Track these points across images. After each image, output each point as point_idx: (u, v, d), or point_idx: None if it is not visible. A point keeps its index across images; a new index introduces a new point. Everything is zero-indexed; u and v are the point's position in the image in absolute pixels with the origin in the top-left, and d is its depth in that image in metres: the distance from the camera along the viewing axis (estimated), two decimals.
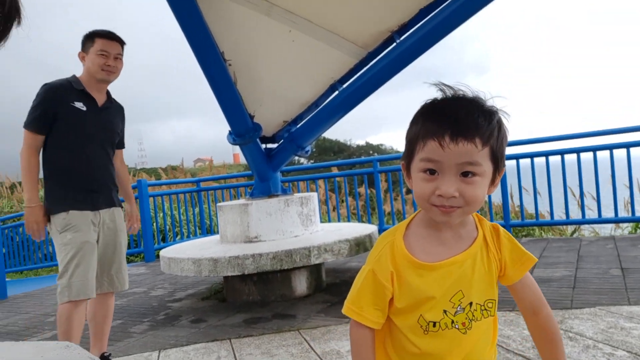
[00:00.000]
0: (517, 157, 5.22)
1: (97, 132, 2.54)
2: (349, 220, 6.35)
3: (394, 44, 3.60)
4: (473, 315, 0.94)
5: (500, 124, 0.92)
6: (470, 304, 0.94)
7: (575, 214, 5.40)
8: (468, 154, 0.87)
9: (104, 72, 2.51)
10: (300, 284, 3.63)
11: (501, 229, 1.01)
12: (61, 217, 2.41)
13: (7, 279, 7.50)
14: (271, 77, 3.87)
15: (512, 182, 5.73)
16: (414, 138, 0.93)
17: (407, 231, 1.00)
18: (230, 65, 3.58)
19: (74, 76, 2.56)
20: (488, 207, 5.84)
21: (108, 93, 2.65)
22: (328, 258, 3.36)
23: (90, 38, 2.52)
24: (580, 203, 5.18)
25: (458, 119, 0.88)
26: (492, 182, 0.94)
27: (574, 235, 5.93)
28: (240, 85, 3.69)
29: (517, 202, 6.11)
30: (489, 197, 5.45)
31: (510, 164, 4.95)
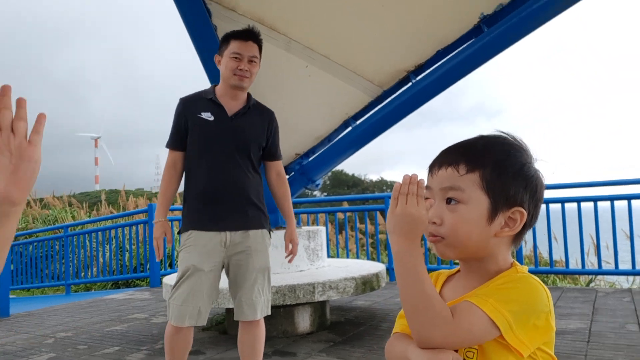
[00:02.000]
0: None
1: (224, 142, 2.24)
2: (357, 257, 6.25)
3: (410, 84, 3.63)
4: None
5: (512, 158, 0.88)
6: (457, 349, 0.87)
7: (591, 263, 5.25)
8: (448, 178, 0.87)
9: (236, 77, 2.24)
10: (304, 321, 3.53)
11: (506, 276, 0.89)
12: (185, 236, 2.24)
13: (13, 297, 7.54)
14: (286, 109, 3.90)
15: None
16: None
17: None
18: None
19: (212, 85, 2.38)
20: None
21: (248, 98, 2.36)
22: (333, 296, 3.28)
23: (225, 40, 2.29)
24: (596, 252, 5.04)
25: (452, 147, 0.92)
26: (491, 219, 0.86)
27: (590, 286, 5.74)
28: None
29: (530, 247, 5.97)
30: None
31: None
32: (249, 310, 2.23)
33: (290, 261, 2.47)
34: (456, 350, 0.86)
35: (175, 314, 2.15)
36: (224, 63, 2.28)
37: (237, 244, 2.23)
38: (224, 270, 2.30)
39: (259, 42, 2.31)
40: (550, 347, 0.87)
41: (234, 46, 2.25)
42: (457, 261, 0.97)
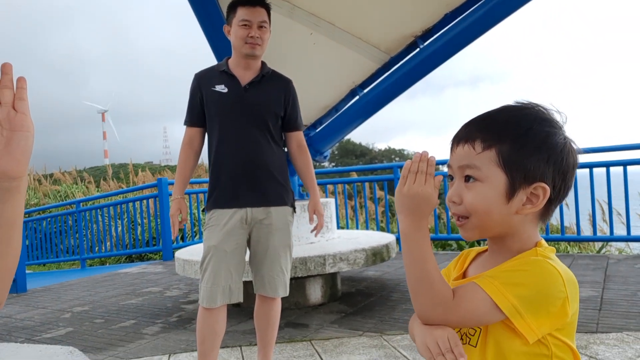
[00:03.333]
0: None
1: (239, 114, 2.18)
2: (367, 227, 6.26)
3: (418, 49, 3.52)
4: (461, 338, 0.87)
5: (533, 131, 0.83)
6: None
7: (602, 229, 5.20)
8: (465, 156, 0.86)
9: (247, 46, 2.16)
10: (315, 292, 3.56)
11: (521, 258, 0.85)
12: (208, 215, 2.21)
13: (29, 272, 7.71)
14: (292, 78, 3.83)
15: None
16: None
17: None
18: None
19: (225, 58, 2.30)
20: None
21: (263, 66, 2.28)
22: (343, 268, 3.29)
23: (232, 8, 2.21)
24: (608, 219, 4.99)
25: (471, 121, 0.88)
26: (510, 197, 0.82)
27: (602, 252, 5.71)
28: None
29: None
30: None
31: None
32: (270, 287, 2.22)
33: (316, 235, 2.42)
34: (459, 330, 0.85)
35: (206, 296, 2.12)
36: (233, 32, 2.20)
37: (260, 221, 2.19)
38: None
39: (267, 7, 2.24)
40: (566, 334, 0.83)
41: (241, 13, 2.17)
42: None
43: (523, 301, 0.78)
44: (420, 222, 0.83)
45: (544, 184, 0.83)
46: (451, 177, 0.90)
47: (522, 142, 0.83)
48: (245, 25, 2.16)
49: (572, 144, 0.86)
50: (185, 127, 2.31)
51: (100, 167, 28.75)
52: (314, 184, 2.38)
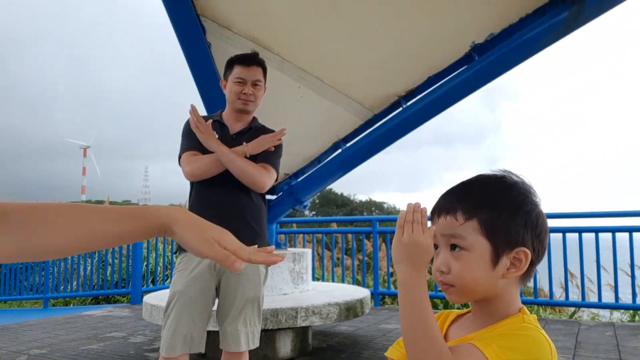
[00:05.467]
0: None
1: None
2: (343, 279, 6.19)
3: (400, 109, 3.64)
4: None
5: (508, 198, 0.88)
6: None
7: (574, 293, 5.24)
8: (449, 226, 0.89)
9: (240, 102, 2.27)
10: (285, 346, 3.46)
11: (512, 324, 0.87)
12: (178, 259, 2.18)
13: None
14: (277, 129, 3.89)
15: None
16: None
17: None
18: None
19: (220, 110, 2.40)
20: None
21: (253, 120, 2.38)
22: (315, 321, 3.22)
23: (229, 65, 2.31)
24: (580, 285, 5.05)
25: (449, 192, 0.93)
26: (495, 263, 0.86)
27: (574, 317, 5.72)
28: None
29: None
30: None
31: None
32: (233, 341, 2.13)
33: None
34: None
35: (165, 343, 2.04)
36: (228, 87, 2.30)
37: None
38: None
39: (262, 65, 2.33)
40: None
41: (237, 71, 2.27)
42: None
43: None
44: (421, 271, 0.85)
45: (525, 248, 0.87)
46: (435, 246, 0.92)
47: (500, 210, 0.87)
48: (239, 82, 2.26)
49: (541, 210, 0.91)
50: (184, 154, 2.25)
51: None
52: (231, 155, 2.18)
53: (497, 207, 0.87)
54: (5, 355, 3.73)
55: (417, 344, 0.83)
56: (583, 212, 5.02)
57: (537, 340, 0.84)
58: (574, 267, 5.51)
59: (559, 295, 5.75)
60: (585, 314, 6.01)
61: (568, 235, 4.89)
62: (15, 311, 7.48)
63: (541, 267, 5.17)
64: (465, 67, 3.29)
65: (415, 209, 0.87)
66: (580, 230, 4.85)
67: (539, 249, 0.90)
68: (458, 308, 5.39)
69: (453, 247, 0.89)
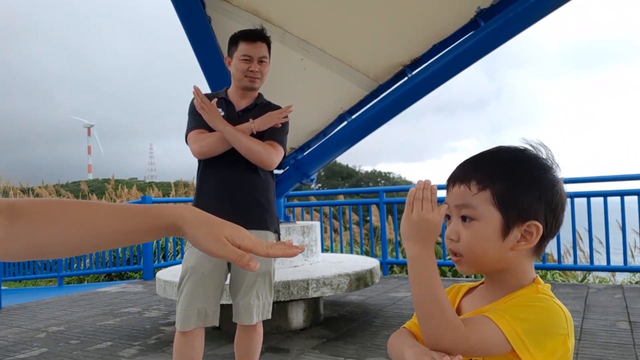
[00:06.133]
0: None
1: None
2: (352, 250, 6.25)
3: (406, 78, 3.59)
4: None
5: (524, 171, 0.88)
6: None
7: (584, 256, 5.27)
8: (461, 196, 0.89)
9: (247, 79, 2.24)
10: (297, 317, 3.53)
11: (526, 294, 0.88)
12: None
13: (5, 288, 7.49)
14: (281, 103, 3.86)
15: None
16: None
17: None
18: None
19: (225, 88, 2.38)
20: None
21: (258, 96, 2.36)
22: (326, 292, 3.27)
23: (233, 41, 2.27)
24: (589, 248, 5.07)
25: (466, 162, 0.93)
26: (505, 235, 0.86)
27: (583, 281, 5.77)
28: None
29: None
30: None
31: None
32: (246, 314, 2.18)
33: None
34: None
35: (180, 318, 2.09)
36: (234, 65, 2.26)
37: None
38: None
39: (268, 42, 2.29)
40: None
41: (243, 48, 2.23)
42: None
43: (530, 336, 0.81)
44: (430, 248, 0.86)
45: (536, 222, 0.86)
46: (448, 216, 0.93)
47: (515, 182, 0.87)
48: (246, 60, 2.22)
49: (559, 183, 0.90)
50: (190, 133, 2.24)
51: (81, 182, 28.37)
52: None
53: (511, 179, 0.87)
54: (24, 333, 3.84)
55: (430, 319, 0.84)
56: (591, 176, 4.99)
57: (551, 310, 0.84)
58: (583, 233, 5.53)
59: (568, 259, 5.77)
60: (592, 278, 6.07)
61: (576, 199, 4.89)
62: (31, 290, 7.65)
63: None
64: (471, 33, 3.22)
65: (425, 186, 0.86)
66: (588, 195, 4.84)
67: (553, 224, 0.89)
68: (467, 278, 5.43)
69: (464, 218, 0.89)
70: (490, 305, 0.88)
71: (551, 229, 0.89)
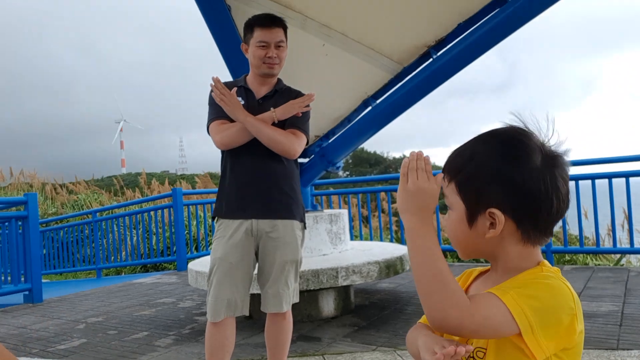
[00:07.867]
0: None
1: None
2: (381, 238, 6.21)
3: (431, 60, 3.49)
4: None
5: (492, 159, 0.84)
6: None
7: (623, 239, 5.07)
8: (443, 187, 0.91)
9: (265, 66, 2.20)
10: (328, 305, 3.52)
11: (531, 273, 0.85)
12: (217, 225, 2.22)
13: (46, 281, 7.80)
14: (303, 90, 3.81)
15: None
16: None
17: None
18: None
19: (243, 75, 2.35)
20: None
21: (278, 82, 2.32)
22: (356, 280, 3.25)
23: (249, 28, 2.23)
24: (629, 230, 4.87)
25: (449, 155, 0.93)
26: (471, 222, 0.85)
27: (621, 263, 5.57)
28: None
29: (559, 224, 5.81)
30: None
31: None
32: (275, 302, 2.18)
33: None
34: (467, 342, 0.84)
35: (211, 310, 2.11)
36: (251, 52, 2.23)
37: (266, 233, 2.16)
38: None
39: (283, 26, 2.25)
40: (572, 355, 0.82)
41: (259, 34, 2.19)
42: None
43: (536, 313, 0.78)
44: (428, 219, 0.85)
45: (494, 210, 0.84)
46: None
47: (473, 171, 0.86)
48: (263, 46, 2.18)
49: (550, 168, 0.84)
50: (212, 124, 2.23)
51: (116, 176, 29.18)
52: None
53: (474, 167, 0.86)
54: (65, 324, 3.98)
55: (432, 295, 0.81)
56: (630, 155, 4.77)
57: (556, 288, 0.81)
58: (619, 213, 5.32)
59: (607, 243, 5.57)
60: (634, 260, 5.85)
61: (614, 180, 4.69)
62: (71, 282, 7.94)
63: (588, 214, 5.00)
64: (496, 10, 3.10)
65: (418, 156, 0.87)
66: (627, 175, 4.64)
67: (525, 211, 0.83)
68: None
69: (446, 206, 0.92)
70: (495, 287, 0.86)
71: (522, 218, 0.84)
